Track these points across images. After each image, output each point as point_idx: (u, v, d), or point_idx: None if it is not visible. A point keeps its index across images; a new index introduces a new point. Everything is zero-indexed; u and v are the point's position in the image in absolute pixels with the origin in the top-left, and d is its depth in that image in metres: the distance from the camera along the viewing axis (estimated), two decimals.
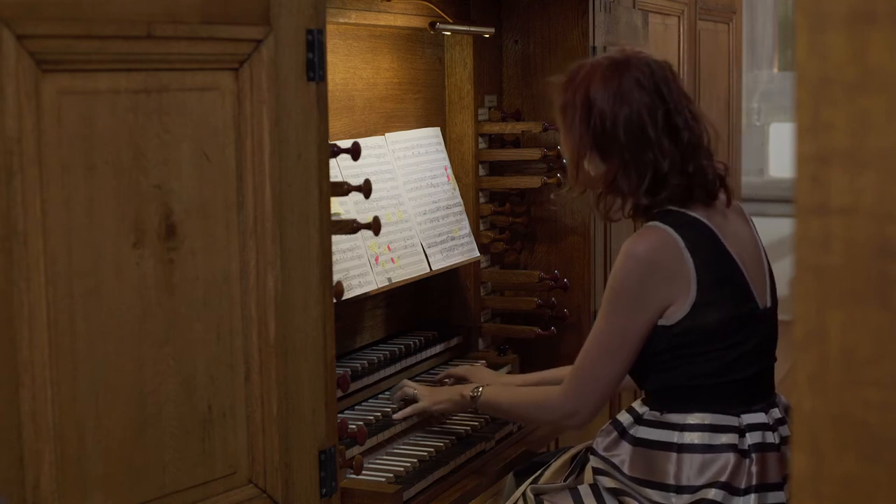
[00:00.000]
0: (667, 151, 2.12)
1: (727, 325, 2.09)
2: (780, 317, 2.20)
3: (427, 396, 2.44)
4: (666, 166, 2.12)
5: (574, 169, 2.22)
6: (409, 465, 2.26)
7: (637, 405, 2.19)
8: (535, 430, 2.61)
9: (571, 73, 2.22)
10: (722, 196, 2.19)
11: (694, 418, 2.09)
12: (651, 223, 2.12)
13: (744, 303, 2.12)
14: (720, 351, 2.10)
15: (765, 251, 2.25)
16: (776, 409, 2.16)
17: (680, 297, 2.07)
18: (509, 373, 2.79)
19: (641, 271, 2.07)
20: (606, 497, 2.14)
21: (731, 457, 2.05)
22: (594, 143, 2.16)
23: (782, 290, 2.27)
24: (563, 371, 2.43)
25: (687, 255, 2.07)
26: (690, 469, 2.05)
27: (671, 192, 2.13)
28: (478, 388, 2.38)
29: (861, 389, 0.77)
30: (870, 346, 0.77)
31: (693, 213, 2.13)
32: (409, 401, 2.45)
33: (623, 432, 2.15)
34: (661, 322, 2.09)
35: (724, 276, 2.11)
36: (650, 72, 2.15)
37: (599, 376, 2.14)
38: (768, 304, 2.19)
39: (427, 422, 2.49)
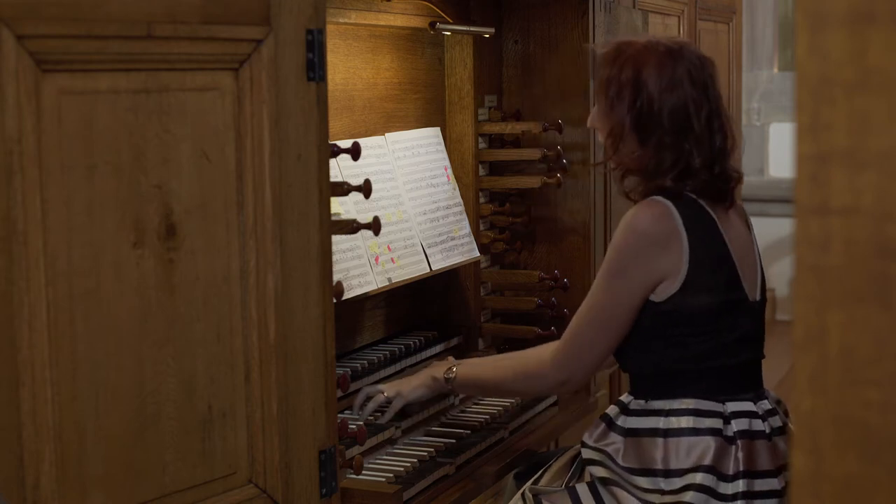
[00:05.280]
0: (704, 149, 2.15)
1: (714, 310, 2.12)
2: (780, 317, 2.22)
3: (399, 392, 2.39)
4: (698, 163, 2.15)
5: (612, 145, 2.22)
6: (409, 465, 2.26)
7: (623, 397, 2.21)
8: (536, 430, 2.62)
9: (618, 46, 2.22)
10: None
11: (679, 403, 2.11)
12: (653, 197, 2.14)
13: (733, 290, 2.14)
14: (706, 335, 2.12)
15: (759, 252, 2.28)
16: (765, 402, 2.18)
17: (672, 272, 2.10)
18: None
19: (638, 241, 2.10)
20: (604, 495, 2.14)
21: (712, 440, 2.06)
22: (634, 124, 2.17)
23: (782, 290, 2.28)
24: (532, 351, 2.42)
25: (682, 230, 2.10)
26: (677, 453, 2.06)
27: (695, 184, 2.15)
28: (451, 367, 2.38)
29: (861, 389, 0.77)
30: (870, 346, 0.77)
31: (697, 197, 2.16)
32: (385, 406, 2.41)
33: (611, 423, 2.16)
34: (651, 298, 2.12)
35: (717, 260, 2.13)
36: (701, 66, 2.18)
37: (593, 345, 2.17)
38: (757, 298, 2.21)
39: (427, 421, 2.49)
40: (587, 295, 2.19)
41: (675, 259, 2.09)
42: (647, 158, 2.17)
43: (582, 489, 2.17)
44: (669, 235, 2.10)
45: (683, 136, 2.15)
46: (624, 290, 2.12)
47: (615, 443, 2.13)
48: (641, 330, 2.14)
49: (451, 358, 2.55)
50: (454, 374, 2.36)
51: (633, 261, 2.11)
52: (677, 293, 2.10)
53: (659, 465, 2.07)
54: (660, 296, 2.11)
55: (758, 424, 2.11)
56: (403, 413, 2.42)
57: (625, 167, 2.22)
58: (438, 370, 2.40)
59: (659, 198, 2.13)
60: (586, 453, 2.18)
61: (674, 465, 2.06)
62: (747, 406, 2.13)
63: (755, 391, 2.18)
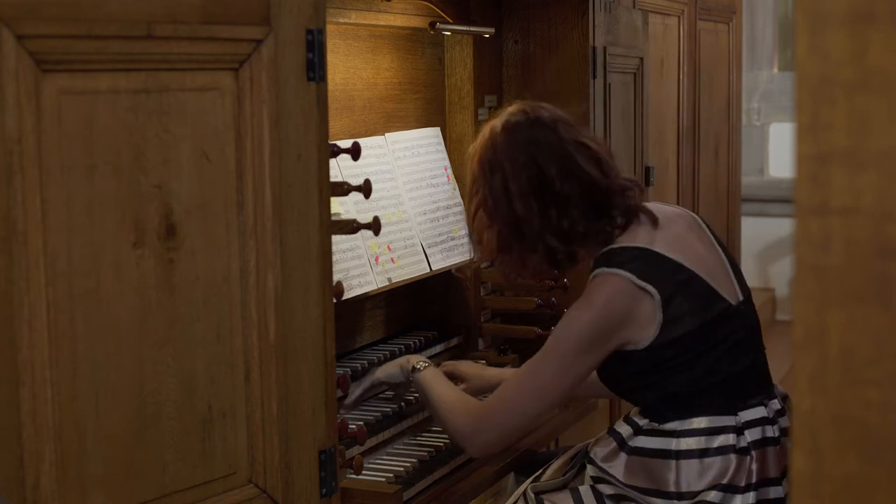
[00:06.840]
0: (574, 196, 2.15)
1: (702, 331, 2.09)
2: (780, 317, 2.21)
3: (379, 370, 2.41)
4: (577, 216, 2.14)
5: (478, 241, 2.27)
6: (409, 465, 2.26)
7: (636, 416, 2.17)
8: (536, 430, 2.61)
9: (470, 151, 2.27)
10: (644, 218, 2.18)
11: (692, 423, 2.09)
12: (597, 271, 2.12)
13: (713, 305, 2.11)
14: (703, 354, 2.09)
15: (724, 249, 2.25)
16: (775, 401, 2.16)
17: (640, 329, 2.08)
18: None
19: (596, 321, 2.08)
20: (607, 498, 2.14)
21: (731, 458, 2.05)
22: (490, 217, 2.20)
23: (782, 290, 2.28)
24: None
25: (643, 284, 2.07)
26: (689, 474, 2.05)
27: (585, 242, 2.16)
28: (425, 363, 2.36)
29: (861, 389, 0.77)
30: (870, 346, 0.77)
31: (628, 244, 2.13)
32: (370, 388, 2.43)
33: (622, 443, 2.14)
34: (631, 348, 2.09)
35: (684, 287, 2.10)
36: (538, 124, 2.20)
37: (517, 412, 2.14)
38: (741, 298, 2.18)
39: (427, 422, 2.49)
40: (534, 356, 2.16)
41: (642, 320, 2.07)
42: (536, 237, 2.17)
43: (585, 490, 2.16)
44: (631, 305, 2.07)
45: (551, 202, 2.15)
46: (571, 365, 2.10)
47: (618, 465, 2.12)
48: (638, 371, 2.12)
49: (453, 365, 2.56)
50: (422, 368, 2.34)
51: (587, 339, 2.09)
52: (658, 336, 2.08)
53: (672, 488, 2.06)
54: (640, 345, 2.09)
55: (769, 431, 2.10)
56: (402, 414, 2.42)
57: (518, 257, 2.21)
58: (416, 357, 2.39)
59: (604, 269, 2.10)
60: (591, 470, 2.16)
61: (686, 487, 2.05)
62: (759, 413, 2.11)
63: (765, 392, 2.16)
